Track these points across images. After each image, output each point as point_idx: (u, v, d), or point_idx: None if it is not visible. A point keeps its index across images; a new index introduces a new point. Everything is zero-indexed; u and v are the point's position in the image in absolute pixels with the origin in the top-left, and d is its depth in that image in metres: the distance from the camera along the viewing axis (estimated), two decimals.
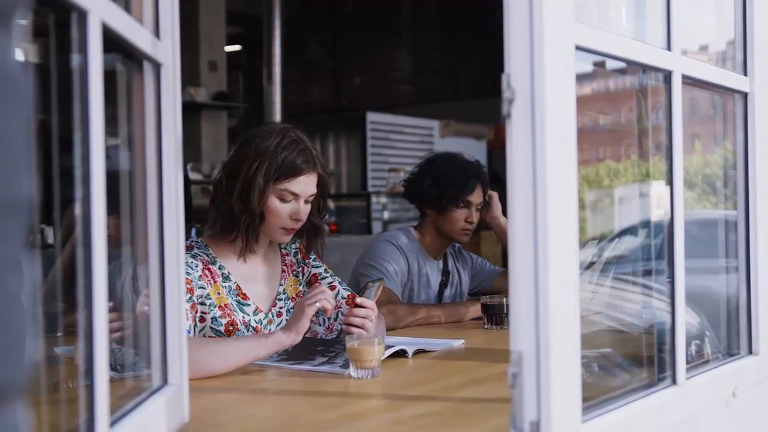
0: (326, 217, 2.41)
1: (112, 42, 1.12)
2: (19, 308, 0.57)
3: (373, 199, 7.56)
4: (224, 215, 2.19)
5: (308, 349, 2.10)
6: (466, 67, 9.33)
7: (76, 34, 1.01)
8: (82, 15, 1.00)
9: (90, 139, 1.02)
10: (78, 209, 1.02)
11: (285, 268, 2.37)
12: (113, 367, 1.26)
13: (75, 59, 1.03)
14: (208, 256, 2.21)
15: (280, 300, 2.32)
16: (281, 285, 2.33)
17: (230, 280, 2.22)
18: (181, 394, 1.41)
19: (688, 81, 1.57)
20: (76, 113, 1.02)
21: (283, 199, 2.18)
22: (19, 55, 0.61)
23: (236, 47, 10.29)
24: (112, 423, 1.09)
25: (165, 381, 1.38)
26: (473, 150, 6.88)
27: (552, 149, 1.16)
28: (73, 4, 0.97)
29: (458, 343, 2.35)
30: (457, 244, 3.19)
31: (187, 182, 3.90)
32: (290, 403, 1.70)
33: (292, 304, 2.32)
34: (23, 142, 0.58)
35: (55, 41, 1.05)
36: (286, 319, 2.27)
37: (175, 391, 1.38)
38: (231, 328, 2.16)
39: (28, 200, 0.59)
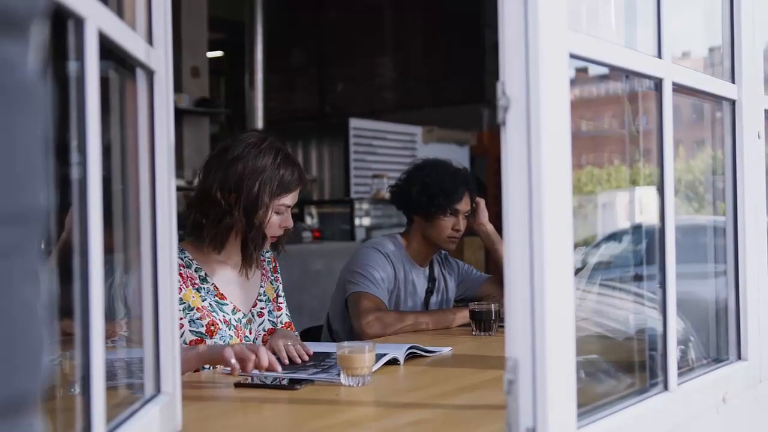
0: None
1: (106, 49, 1.11)
2: (36, 318, 0.57)
3: (357, 205, 7.53)
4: (225, 231, 2.24)
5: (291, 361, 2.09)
6: (449, 74, 9.36)
7: (72, 41, 1.00)
8: (79, 22, 1.00)
9: (87, 147, 1.01)
10: (74, 217, 1.01)
11: (264, 271, 2.46)
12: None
13: (71, 66, 1.02)
14: (182, 259, 2.25)
15: (261, 300, 2.40)
16: (261, 287, 2.42)
17: (208, 282, 2.28)
18: (174, 403, 1.41)
19: (678, 88, 1.59)
20: (72, 120, 1.01)
21: (278, 213, 2.29)
22: (36, 65, 0.60)
23: (218, 53, 10.27)
24: None
25: (158, 390, 1.37)
26: (456, 156, 6.86)
27: (548, 156, 1.17)
28: (71, 11, 0.97)
29: (447, 350, 2.35)
30: (443, 251, 3.19)
31: None
32: (283, 411, 1.70)
33: (272, 306, 2.42)
34: (41, 152, 0.58)
35: (50, 48, 1.05)
36: (268, 320, 2.39)
37: (169, 400, 1.37)
38: (212, 328, 2.22)
39: (43, 211, 0.59)
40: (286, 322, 2.44)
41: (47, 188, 0.60)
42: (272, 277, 2.47)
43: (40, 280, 0.57)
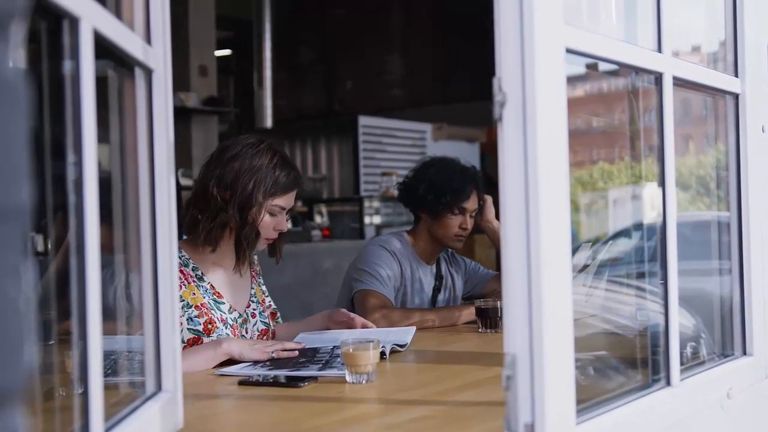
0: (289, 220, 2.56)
1: (103, 48, 1.11)
2: (18, 314, 0.57)
3: (366, 203, 7.53)
4: (219, 227, 2.28)
5: (292, 360, 2.09)
6: (457, 70, 9.35)
7: (67, 40, 1.01)
8: (74, 22, 1.00)
9: (82, 146, 1.01)
10: (71, 217, 1.02)
11: (254, 274, 2.51)
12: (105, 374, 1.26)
13: (66, 65, 1.02)
14: (180, 258, 2.27)
15: (253, 302, 2.45)
16: (252, 288, 2.47)
17: (204, 281, 2.31)
18: (176, 400, 1.41)
19: (679, 83, 1.58)
20: (68, 120, 1.02)
21: (272, 214, 2.32)
22: (17, 63, 0.61)
23: (226, 51, 10.29)
24: (107, 429, 1.09)
25: (159, 387, 1.37)
26: (466, 153, 6.88)
27: (544, 152, 1.16)
28: (65, 10, 0.97)
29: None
30: (450, 249, 3.19)
31: (178, 188, 3.96)
32: (285, 409, 1.70)
33: (262, 308, 2.46)
34: (22, 149, 0.59)
35: (46, 47, 1.05)
36: (260, 321, 2.43)
37: (170, 397, 1.38)
38: (210, 326, 2.25)
39: (26, 207, 0.59)
40: (262, 329, 2.45)
41: (30, 185, 0.60)
42: (259, 281, 2.53)
43: (23, 275, 0.58)
